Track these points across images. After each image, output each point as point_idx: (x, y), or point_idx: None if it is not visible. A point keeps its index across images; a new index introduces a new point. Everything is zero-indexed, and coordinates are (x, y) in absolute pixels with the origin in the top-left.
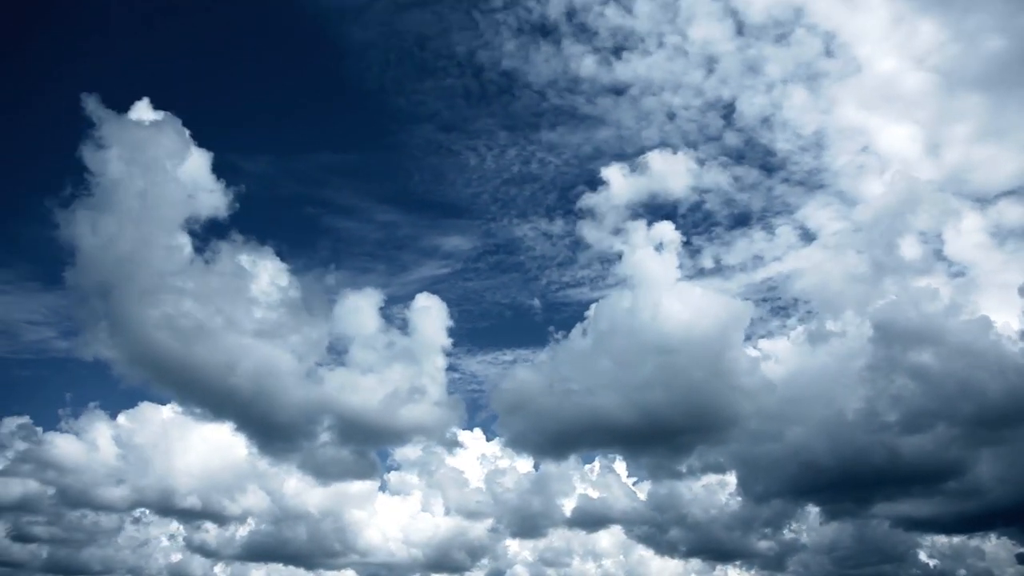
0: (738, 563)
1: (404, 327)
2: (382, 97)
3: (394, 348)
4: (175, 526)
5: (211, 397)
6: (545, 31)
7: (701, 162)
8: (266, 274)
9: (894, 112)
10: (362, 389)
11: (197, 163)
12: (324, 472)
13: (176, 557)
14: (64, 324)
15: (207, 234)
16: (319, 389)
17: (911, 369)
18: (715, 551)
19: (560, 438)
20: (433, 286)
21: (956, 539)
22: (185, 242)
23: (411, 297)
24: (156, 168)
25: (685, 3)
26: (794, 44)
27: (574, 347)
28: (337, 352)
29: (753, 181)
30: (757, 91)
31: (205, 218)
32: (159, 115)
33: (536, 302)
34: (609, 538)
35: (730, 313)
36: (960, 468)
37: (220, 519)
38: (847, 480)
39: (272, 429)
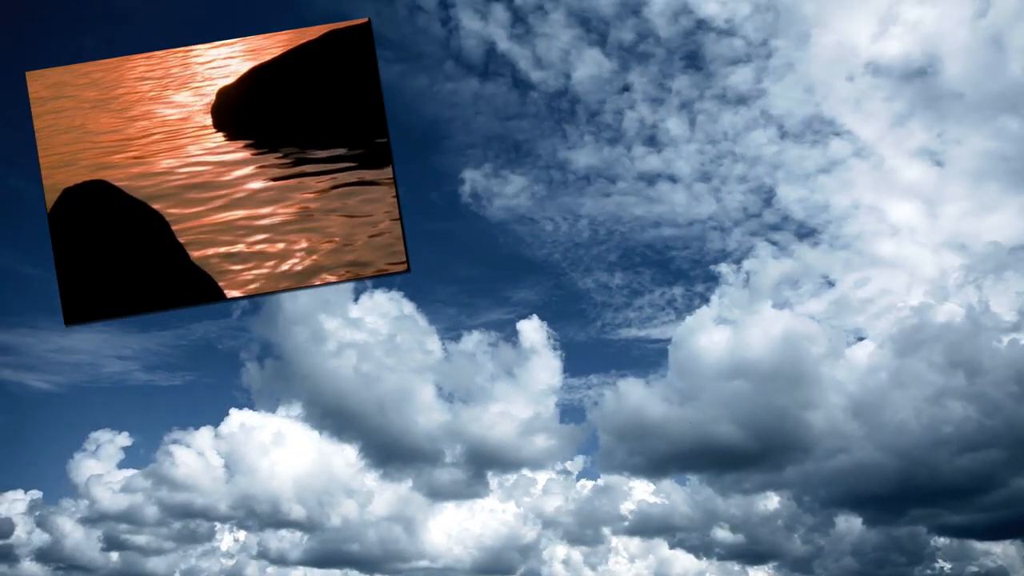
0: (764, 565)
1: (512, 357)
2: (476, 181)
3: (511, 379)
4: (242, 533)
5: (341, 420)
6: (618, 138)
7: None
8: (398, 315)
9: (899, 193)
10: (482, 419)
11: None
12: (437, 493)
13: (229, 563)
14: (149, 359)
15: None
16: (443, 419)
17: (964, 392)
18: (751, 554)
19: (659, 461)
20: (498, 328)
21: (964, 541)
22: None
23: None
24: None
25: (733, 119)
26: (822, 144)
27: (659, 377)
28: (458, 384)
29: (786, 245)
30: (793, 181)
31: None
32: None
33: (586, 339)
34: (648, 543)
35: (814, 337)
36: (1003, 481)
37: (301, 527)
38: (895, 492)
39: (394, 452)
